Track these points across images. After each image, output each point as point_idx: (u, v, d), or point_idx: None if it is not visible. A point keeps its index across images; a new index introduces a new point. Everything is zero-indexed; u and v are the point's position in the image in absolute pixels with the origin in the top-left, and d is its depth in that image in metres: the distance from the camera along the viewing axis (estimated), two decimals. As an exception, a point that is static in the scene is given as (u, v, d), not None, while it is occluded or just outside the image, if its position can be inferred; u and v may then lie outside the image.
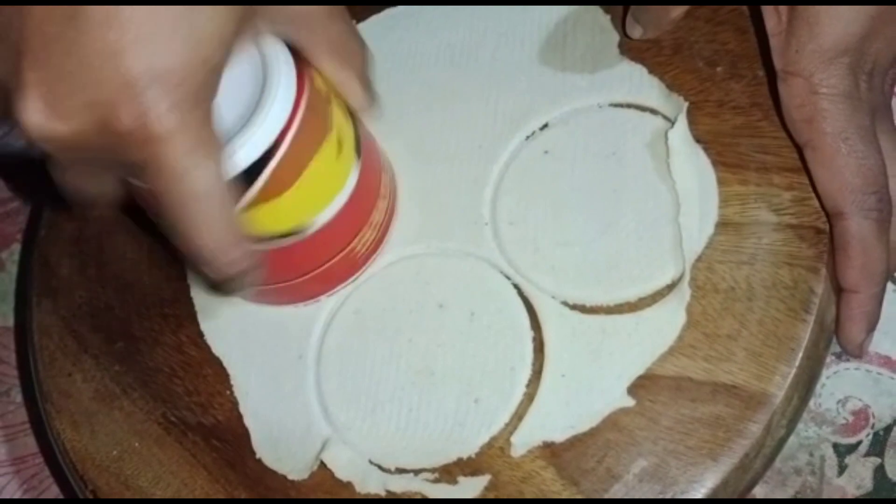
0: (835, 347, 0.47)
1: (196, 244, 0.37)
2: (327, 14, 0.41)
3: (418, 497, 0.41)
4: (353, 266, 0.46)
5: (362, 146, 0.44)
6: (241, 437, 0.45)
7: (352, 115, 0.44)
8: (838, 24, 0.40)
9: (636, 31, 0.47)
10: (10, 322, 0.60)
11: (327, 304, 0.46)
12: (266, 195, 0.40)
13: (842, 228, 0.41)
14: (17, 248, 0.62)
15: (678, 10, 0.47)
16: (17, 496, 0.55)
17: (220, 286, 0.39)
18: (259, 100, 0.39)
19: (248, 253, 0.38)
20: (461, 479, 0.41)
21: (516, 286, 0.44)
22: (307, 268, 0.45)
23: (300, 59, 0.40)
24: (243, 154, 0.38)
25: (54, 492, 0.55)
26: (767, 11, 0.42)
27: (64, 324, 0.49)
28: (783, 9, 0.42)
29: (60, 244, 0.52)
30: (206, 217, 0.36)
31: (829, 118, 0.41)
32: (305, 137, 0.40)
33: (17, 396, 0.58)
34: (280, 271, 0.44)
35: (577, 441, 0.41)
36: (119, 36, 0.34)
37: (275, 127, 0.39)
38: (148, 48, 0.34)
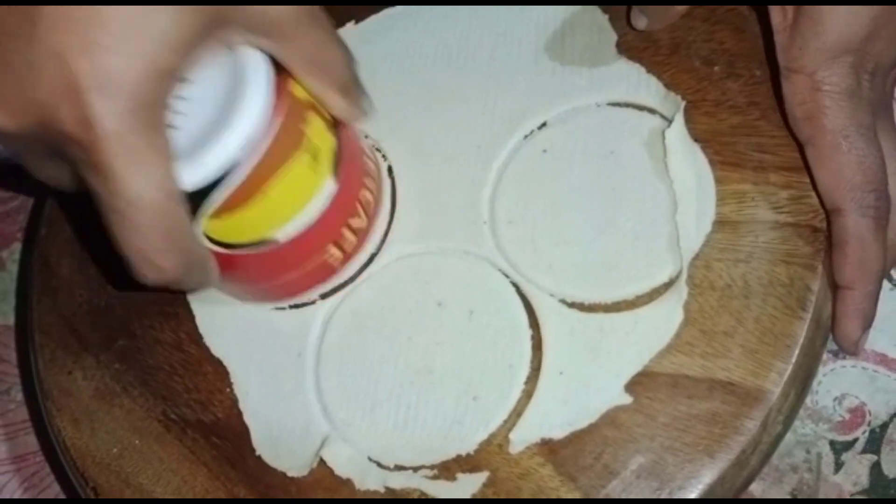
0: (831, 345, 0.47)
1: (124, 250, 0.37)
2: (301, 21, 0.39)
3: (417, 494, 0.42)
4: (327, 272, 0.46)
5: (342, 161, 0.43)
6: (240, 434, 0.45)
7: (338, 126, 0.43)
8: (842, 23, 0.40)
9: (641, 22, 0.47)
10: (11, 321, 0.60)
11: (326, 302, 0.46)
12: (223, 209, 0.39)
13: (839, 225, 0.41)
14: (17, 247, 0.62)
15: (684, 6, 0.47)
16: (17, 494, 0.55)
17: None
18: (227, 113, 0.38)
19: (179, 265, 0.38)
20: (460, 475, 0.42)
21: (515, 285, 0.45)
22: (274, 275, 0.45)
23: (280, 69, 0.39)
24: (201, 170, 0.37)
25: (55, 490, 0.55)
26: (773, 9, 0.42)
27: (64, 322, 0.49)
28: (789, 7, 0.42)
29: (61, 243, 0.52)
30: (138, 225, 0.36)
31: (831, 115, 0.41)
32: (273, 153, 0.39)
33: (18, 395, 0.58)
34: (247, 276, 0.44)
35: (574, 438, 0.41)
36: (68, 39, 0.34)
37: (238, 143, 0.38)
38: (96, 52, 0.34)
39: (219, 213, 0.39)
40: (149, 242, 0.37)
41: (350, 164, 0.44)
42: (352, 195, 0.44)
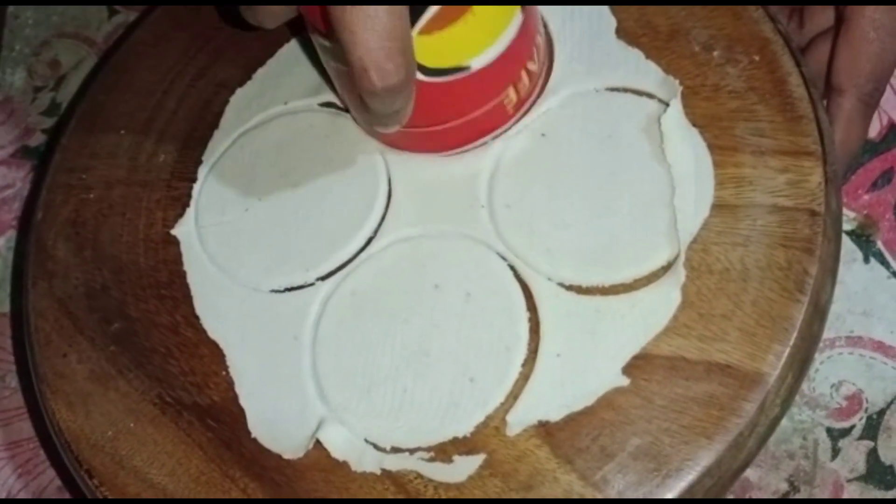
0: (828, 332, 0.47)
1: (356, 52, 0.38)
2: None
3: (413, 475, 0.41)
4: (501, 118, 0.47)
5: None
6: (236, 417, 0.44)
7: None
8: None
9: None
10: (6, 308, 0.60)
11: (323, 285, 0.46)
12: (433, 25, 0.41)
13: (836, 104, 0.46)
14: (11, 234, 0.62)
15: None
16: (11, 481, 0.55)
17: (374, 116, 0.41)
18: None
19: (403, 66, 0.38)
20: (456, 457, 0.41)
21: (512, 268, 0.44)
22: (458, 111, 0.45)
23: None
24: None
25: (49, 476, 0.55)
26: None
27: (59, 305, 0.49)
28: None
29: (56, 227, 0.51)
30: (370, 24, 0.37)
31: (876, 6, 0.44)
32: None
33: (13, 382, 0.58)
34: (432, 112, 0.45)
35: (571, 420, 0.41)
36: None
37: None
38: None
39: (429, 28, 0.41)
40: (379, 42, 0.37)
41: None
42: (531, 34, 0.46)
